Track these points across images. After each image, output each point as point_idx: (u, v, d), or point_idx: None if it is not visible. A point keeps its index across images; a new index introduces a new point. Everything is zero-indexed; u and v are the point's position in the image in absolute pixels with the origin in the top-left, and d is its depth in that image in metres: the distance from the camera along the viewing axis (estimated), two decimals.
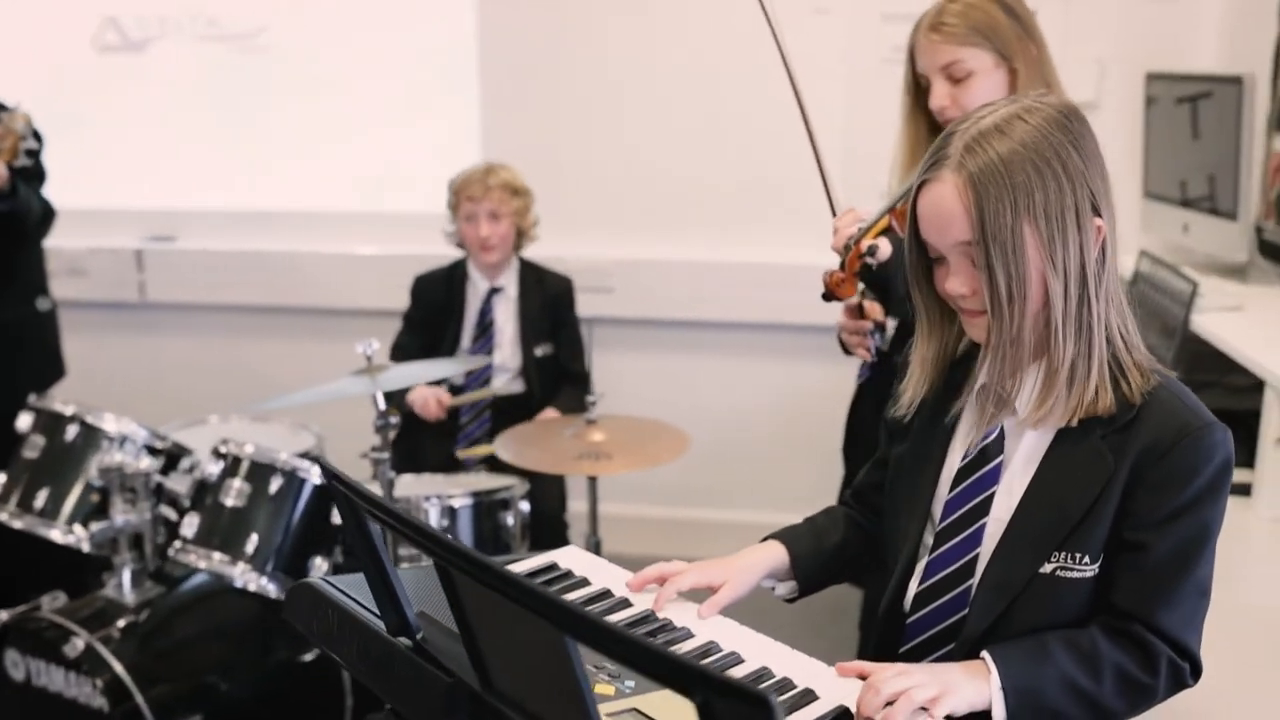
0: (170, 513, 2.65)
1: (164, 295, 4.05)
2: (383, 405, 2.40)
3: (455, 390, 3.18)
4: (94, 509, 2.64)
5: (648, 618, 1.47)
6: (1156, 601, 1.34)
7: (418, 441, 3.11)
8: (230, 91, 3.98)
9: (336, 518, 2.57)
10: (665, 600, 1.49)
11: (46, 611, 2.49)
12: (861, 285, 2.12)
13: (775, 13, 2.21)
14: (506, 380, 3.23)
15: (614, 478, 2.67)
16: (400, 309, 3.34)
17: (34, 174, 3.03)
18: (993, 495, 1.43)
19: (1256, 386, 2.59)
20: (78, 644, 2.39)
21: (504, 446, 2.63)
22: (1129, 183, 3.36)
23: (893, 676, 1.28)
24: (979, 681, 1.32)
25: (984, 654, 1.35)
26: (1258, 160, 3.11)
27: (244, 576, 2.48)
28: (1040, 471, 1.40)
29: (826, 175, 2.22)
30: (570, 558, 1.66)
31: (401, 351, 3.22)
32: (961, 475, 1.46)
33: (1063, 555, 1.37)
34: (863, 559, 1.63)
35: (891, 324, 2.22)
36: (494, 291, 3.25)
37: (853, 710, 1.27)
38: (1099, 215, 1.37)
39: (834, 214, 2.19)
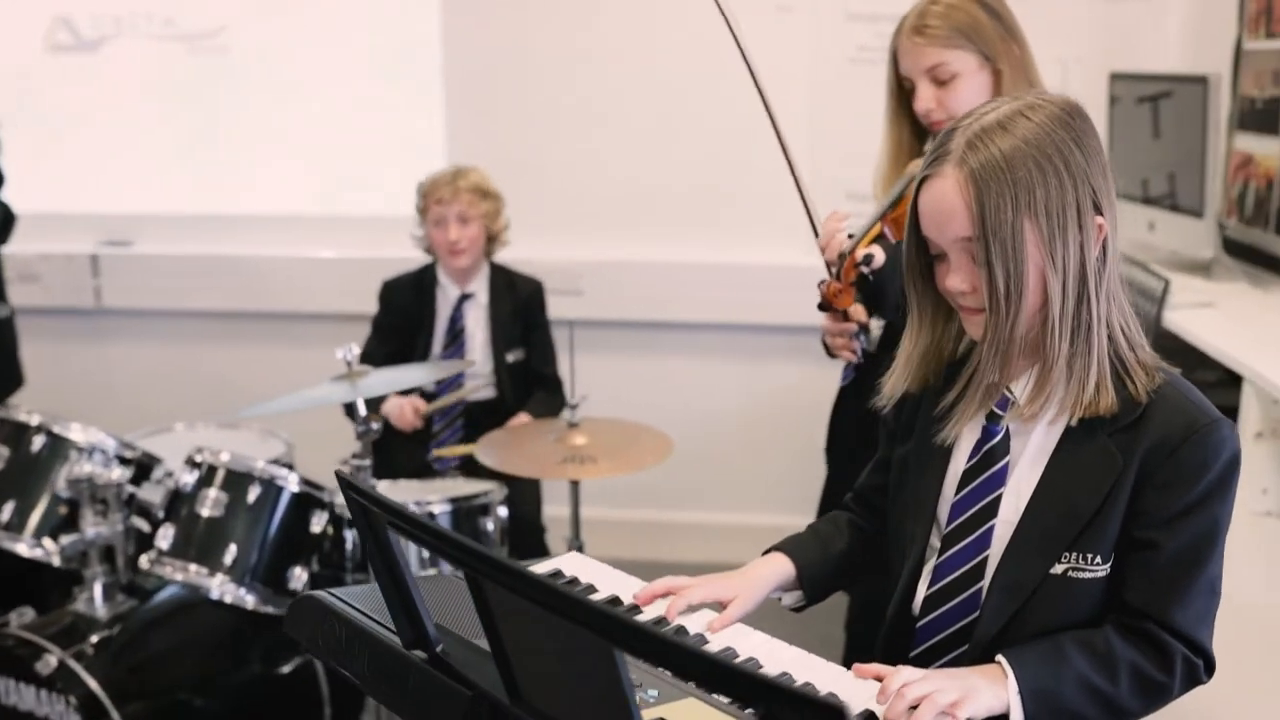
0: (142, 524, 2.59)
1: (121, 301, 3.97)
2: (364, 411, 2.36)
3: (428, 397, 3.15)
4: (62, 521, 2.57)
5: (660, 624, 1.46)
6: (1169, 599, 1.35)
7: (390, 447, 3.07)
8: (188, 92, 3.91)
9: (315, 526, 2.53)
10: (674, 614, 1.47)
11: (15, 628, 2.43)
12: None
13: (737, 17, 2.18)
14: (478, 387, 3.19)
15: (592, 481, 2.64)
16: (364, 313, 3.29)
17: None
18: (1000, 497, 1.43)
19: (1225, 382, 2.63)
20: (50, 661, 2.34)
21: (485, 451, 2.60)
22: None
23: (916, 681, 1.28)
24: (997, 686, 1.32)
25: (1000, 658, 1.35)
26: (1220, 159, 3.17)
27: (221, 588, 2.43)
28: (1048, 472, 1.41)
29: (801, 183, 2.21)
30: (574, 564, 1.64)
31: (371, 359, 3.17)
32: (967, 477, 1.46)
33: (1074, 555, 1.37)
34: (868, 564, 1.63)
35: (878, 325, 2.22)
36: (464, 298, 3.21)
37: (879, 715, 1.27)
38: (1100, 214, 1.37)
39: (811, 222, 2.18)
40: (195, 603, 2.58)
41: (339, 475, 1.22)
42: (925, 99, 2.12)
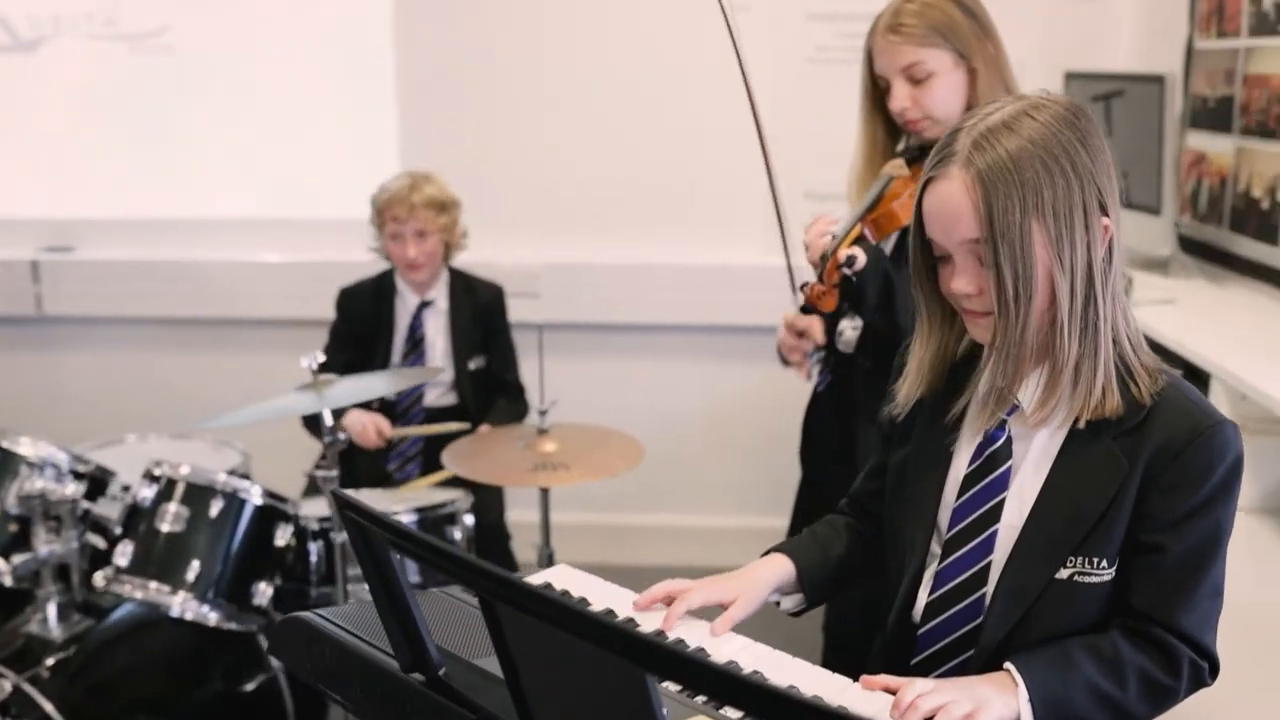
0: (98, 540, 2.50)
1: (63, 308, 3.85)
2: (330, 421, 2.30)
3: (390, 413, 3.07)
4: (12, 539, 2.48)
5: (660, 634, 1.43)
6: (1175, 603, 1.34)
7: (351, 457, 3.00)
8: (131, 93, 3.80)
9: (279, 540, 2.46)
10: (675, 619, 1.45)
11: None
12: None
13: (736, 20, 2.16)
14: (439, 395, 3.14)
15: (558, 486, 2.60)
16: (317, 318, 3.22)
17: None
18: (1003, 501, 1.42)
19: (1187, 378, 2.64)
20: (4, 685, 2.25)
21: (454, 460, 2.55)
22: None
23: (928, 693, 1.26)
24: (1007, 695, 1.30)
25: (1008, 665, 1.33)
26: (1174, 156, 3.20)
27: (184, 605, 2.35)
28: (1052, 475, 1.39)
29: (777, 190, 2.19)
30: (564, 577, 1.60)
31: (329, 367, 3.08)
32: (969, 481, 1.44)
33: (1079, 560, 1.36)
34: (867, 568, 1.61)
35: (856, 326, 2.21)
36: (424, 305, 3.15)
37: None
38: (1106, 214, 1.36)
39: (781, 227, 2.16)
40: (154, 621, 2.50)
41: (335, 494, 1.17)
42: (900, 98, 2.10)
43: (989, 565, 1.41)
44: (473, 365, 3.15)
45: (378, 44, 3.68)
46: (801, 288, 2.02)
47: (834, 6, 3.52)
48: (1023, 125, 1.34)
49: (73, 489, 2.43)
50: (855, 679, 1.34)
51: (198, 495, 2.40)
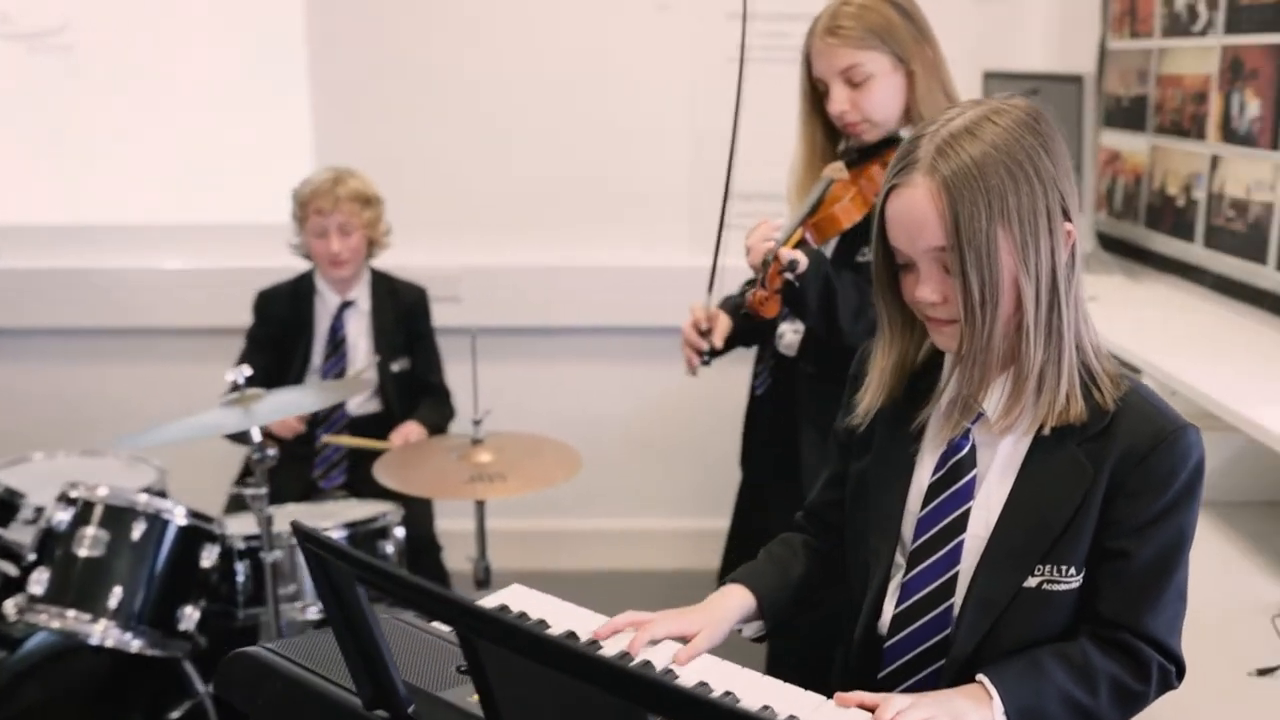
0: (9, 568, 2.37)
1: None
2: (258, 438, 2.22)
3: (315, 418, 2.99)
4: None
5: (624, 659, 1.39)
6: (1142, 608, 1.34)
7: (273, 470, 2.90)
8: (30, 94, 3.63)
9: (205, 561, 2.36)
10: (639, 648, 1.40)
11: None
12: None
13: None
14: (362, 401, 3.06)
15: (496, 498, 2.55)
16: (232, 326, 3.12)
17: None
18: (969, 511, 1.40)
19: None
20: None
21: (386, 473, 2.47)
22: None
23: (906, 709, 1.24)
24: (982, 708, 1.29)
25: (981, 677, 1.32)
26: (1092, 155, 3.26)
27: (105, 634, 2.24)
28: (1018, 484, 1.38)
29: (729, 195, 2.17)
30: (519, 599, 1.55)
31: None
32: (934, 491, 1.43)
33: (1048, 568, 1.35)
34: (827, 583, 1.59)
35: (797, 331, 2.20)
36: (345, 306, 3.07)
37: None
38: (1069, 219, 1.36)
39: (718, 241, 2.15)
40: (69, 649, 2.39)
41: (295, 526, 1.11)
42: (839, 101, 2.10)
43: (956, 575, 1.40)
44: (396, 368, 3.09)
45: (289, 40, 3.57)
46: (744, 294, 2.00)
47: (754, 6, 3.50)
48: (985, 130, 1.32)
49: None
50: (804, 688, 1.32)
51: (117, 517, 2.30)
